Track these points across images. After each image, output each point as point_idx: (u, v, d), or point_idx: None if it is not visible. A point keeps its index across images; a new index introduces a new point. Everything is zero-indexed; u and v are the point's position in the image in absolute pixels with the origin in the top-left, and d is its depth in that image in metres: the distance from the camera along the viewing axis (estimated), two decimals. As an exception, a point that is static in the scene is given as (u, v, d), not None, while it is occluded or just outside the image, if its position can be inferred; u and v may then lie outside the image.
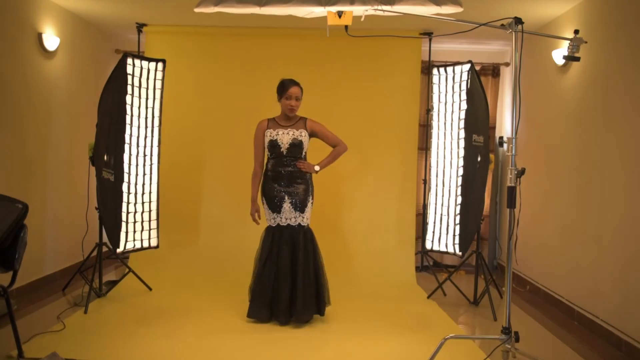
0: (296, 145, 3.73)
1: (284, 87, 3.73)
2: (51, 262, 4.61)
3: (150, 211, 4.29)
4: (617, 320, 3.46)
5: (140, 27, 5.19)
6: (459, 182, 4.11)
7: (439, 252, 4.33)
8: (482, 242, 5.58)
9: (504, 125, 5.71)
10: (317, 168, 3.77)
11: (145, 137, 4.22)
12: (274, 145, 3.72)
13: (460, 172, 4.10)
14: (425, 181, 5.42)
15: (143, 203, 4.22)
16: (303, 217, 3.70)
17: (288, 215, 3.69)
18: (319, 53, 5.26)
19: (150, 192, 4.28)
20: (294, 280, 3.64)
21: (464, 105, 4.11)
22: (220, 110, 5.28)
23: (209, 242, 5.17)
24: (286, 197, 3.69)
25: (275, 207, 3.69)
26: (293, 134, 3.74)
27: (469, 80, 4.08)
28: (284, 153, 3.72)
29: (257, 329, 3.57)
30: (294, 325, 3.63)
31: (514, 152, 2.86)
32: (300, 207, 3.70)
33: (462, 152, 4.10)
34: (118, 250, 4.05)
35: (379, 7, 2.75)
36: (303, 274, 3.64)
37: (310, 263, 3.68)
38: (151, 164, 4.29)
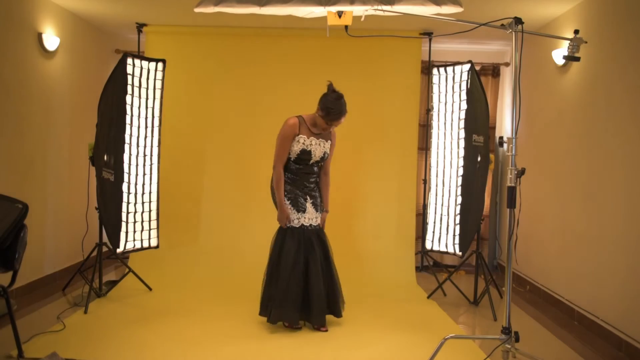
0: (323, 158, 3.71)
1: (331, 112, 3.50)
2: (51, 262, 4.61)
3: (150, 211, 4.29)
4: (617, 320, 3.46)
5: (140, 27, 5.19)
6: (459, 182, 4.11)
7: (439, 252, 4.34)
8: (482, 242, 5.58)
9: (504, 125, 5.71)
10: (327, 210, 3.86)
11: (145, 137, 4.23)
12: (305, 154, 3.59)
13: (460, 172, 4.10)
14: (425, 181, 5.42)
15: (143, 203, 4.23)
16: (320, 218, 3.74)
17: (311, 216, 3.64)
18: (319, 53, 5.26)
19: (150, 192, 4.29)
20: (327, 279, 3.63)
21: (464, 105, 4.11)
22: (220, 110, 5.28)
23: (209, 242, 5.17)
24: (308, 198, 3.67)
25: (300, 207, 3.62)
26: (323, 147, 3.67)
27: (469, 80, 4.08)
28: (310, 163, 3.66)
29: (257, 329, 3.57)
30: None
31: (514, 152, 2.86)
32: (318, 207, 3.72)
33: (462, 152, 4.10)
34: (118, 250, 4.05)
35: (379, 7, 2.75)
36: (333, 272, 3.67)
37: (332, 261, 3.73)
38: (151, 164, 4.29)
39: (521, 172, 2.83)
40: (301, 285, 3.53)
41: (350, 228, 5.22)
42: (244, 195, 5.15)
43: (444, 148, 4.29)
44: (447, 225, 4.20)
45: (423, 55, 5.40)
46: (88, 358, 2.96)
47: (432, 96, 4.46)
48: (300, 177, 3.66)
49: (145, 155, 4.23)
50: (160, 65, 4.27)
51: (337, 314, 3.65)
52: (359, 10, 2.80)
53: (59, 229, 4.71)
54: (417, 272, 5.23)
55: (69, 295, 4.26)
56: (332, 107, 3.50)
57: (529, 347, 3.15)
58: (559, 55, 4.35)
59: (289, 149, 3.59)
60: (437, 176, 4.34)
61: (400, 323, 3.77)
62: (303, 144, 3.58)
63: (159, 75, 4.28)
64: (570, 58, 2.94)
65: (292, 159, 3.63)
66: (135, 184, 4.16)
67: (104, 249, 4.22)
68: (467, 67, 4.11)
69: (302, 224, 3.60)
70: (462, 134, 4.11)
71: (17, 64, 4.06)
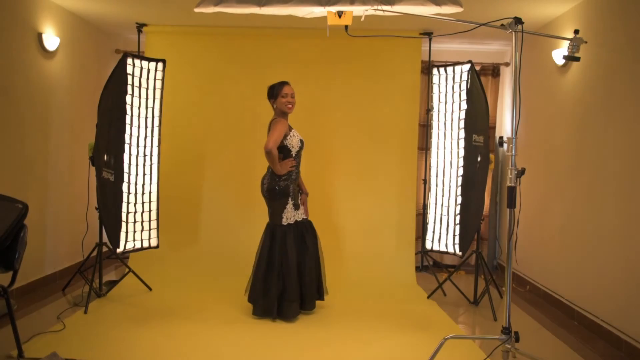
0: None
1: (275, 88, 3.82)
2: (51, 262, 4.61)
3: (150, 211, 4.29)
4: (617, 320, 3.47)
5: (140, 27, 5.19)
6: (459, 182, 4.11)
7: (439, 252, 4.33)
8: (482, 242, 5.58)
9: (504, 125, 5.71)
10: (307, 193, 4.08)
11: (145, 137, 4.22)
12: (302, 143, 3.86)
13: (460, 172, 4.10)
14: (425, 181, 5.42)
15: (143, 203, 4.22)
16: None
17: (301, 210, 3.88)
18: (319, 53, 5.26)
19: (150, 192, 4.28)
20: (316, 267, 3.89)
21: (464, 105, 4.11)
22: (220, 109, 5.28)
23: (209, 242, 5.17)
24: (298, 194, 3.90)
25: (297, 206, 3.85)
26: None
27: (469, 80, 4.08)
28: (301, 154, 3.89)
29: (258, 329, 3.58)
30: (296, 323, 3.65)
31: (514, 152, 2.86)
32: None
33: (462, 152, 4.10)
34: (118, 250, 4.05)
35: (379, 7, 2.75)
36: (320, 260, 3.92)
37: (320, 249, 3.97)
38: (151, 164, 4.28)
39: (521, 172, 2.83)
40: (299, 277, 3.78)
41: (350, 228, 5.22)
42: (243, 195, 5.15)
43: (444, 148, 4.29)
44: (447, 225, 4.20)
45: (423, 55, 5.40)
46: (88, 358, 2.96)
47: (432, 96, 4.45)
48: (298, 171, 3.88)
49: (145, 155, 4.23)
50: (160, 65, 4.27)
51: (321, 297, 3.94)
52: (359, 10, 2.80)
53: (59, 229, 4.71)
54: (417, 272, 5.24)
55: (69, 295, 4.26)
56: (271, 86, 3.83)
57: (529, 347, 3.15)
58: (559, 55, 4.35)
59: (284, 144, 3.76)
60: (437, 176, 4.34)
61: (400, 323, 3.77)
62: (297, 136, 3.83)
63: (159, 75, 4.28)
64: (570, 58, 2.94)
65: (294, 155, 3.80)
66: (135, 184, 4.16)
67: (104, 249, 4.23)
68: (467, 67, 4.11)
69: (296, 220, 3.83)
70: (462, 134, 4.11)
71: (17, 64, 4.06)
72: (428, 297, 4.45)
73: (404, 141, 5.25)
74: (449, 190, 4.22)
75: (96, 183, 4.03)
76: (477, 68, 5.32)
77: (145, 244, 4.28)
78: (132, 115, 4.09)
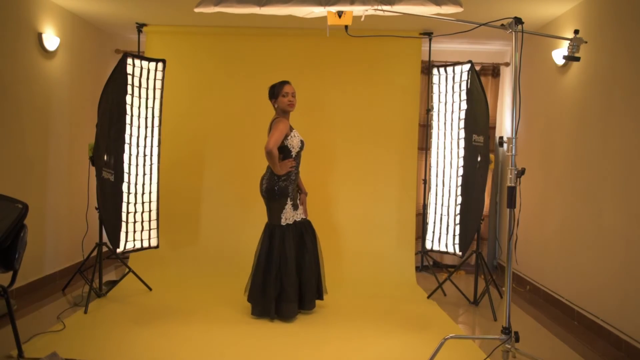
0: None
1: (276, 87, 3.81)
2: (51, 262, 4.61)
3: (150, 211, 4.29)
4: (617, 320, 3.47)
5: (140, 27, 5.19)
6: (459, 182, 4.11)
7: (439, 252, 4.33)
8: (482, 242, 5.58)
9: (504, 125, 5.71)
10: (306, 192, 4.06)
11: (145, 137, 4.22)
12: (302, 144, 3.86)
13: (460, 172, 4.10)
14: (425, 181, 5.42)
15: (143, 203, 4.23)
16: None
17: (300, 211, 3.89)
18: (319, 53, 5.26)
19: (150, 192, 4.28)
20: (315, 266, 3.89)
21: (464, 105, 4.11)
22: (220, 110, 5.28)
23: (209, 242, 5.17)
24: (297, 195, 3.91)
25: (296, 206, 3.86)
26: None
27: (469, 80, 4.08)
28: (301, 155, 3.89)
29: (257, 328, 3.58)
30: (296, 323, 3.65)
31: (514, 152, 2.86)
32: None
33: (462, 152, 4.10)
34: (118, 250, 4.05)
35: (379, 7, 2.75)
36: (319, 261, 3.92)
37: (319, 249, 3.97)
38: (151, 164, 4.29)
39: (521, 172, 2.83)
40: (299, 277, 3.78)
41: (350, 228, 5.22)
42: (243, 195, 5.15)
43: (444, 148, 4.29)
44: (447, 225, 4.20)
45: (423, 55, 5.40)
46: (88, 358, 2.96)
47: (432, 96, 4.45)
48: (297, 172, 3.87)
49: (145, 155, 4.23)
50: (160, 65, 4.27)
51: (321, 296, 3.94)
52: (359, 10, 2.80)
53: (59, 229, 4.71)
54: (417, 272, 5.24)
55: (69, 295, 4.26)
56: (272, 85, 3.83)
57: (529, 347, 3.15)
58: (559, 55, 4.35)
59: (285, 144, 3.75)
60: (437, 176, 4.34)
61: (400, 323, 3.77)
62: (298, 136, 3.82)
63: (159, 75, 4.28)
64: (570, 58, 2.95)
65: (293, 156, 3.80)
66: (135, 184, 4.16)
67: (104, 249, 4.23)
68: (467, 67, 4.11)
69: (295, 220, 3.82)
70: (462, 134, 4.11)
71: (17, 64, 4.06)
72: (428, 297, 4.45)
73: (404, 141, 5.25)
74: (449, 190, 4.22)
75: (96, 183, 4.03)
76: (477, 68, 5.32)
77: (145, 244, 4.28)
78: (132, 115, 4.09)
